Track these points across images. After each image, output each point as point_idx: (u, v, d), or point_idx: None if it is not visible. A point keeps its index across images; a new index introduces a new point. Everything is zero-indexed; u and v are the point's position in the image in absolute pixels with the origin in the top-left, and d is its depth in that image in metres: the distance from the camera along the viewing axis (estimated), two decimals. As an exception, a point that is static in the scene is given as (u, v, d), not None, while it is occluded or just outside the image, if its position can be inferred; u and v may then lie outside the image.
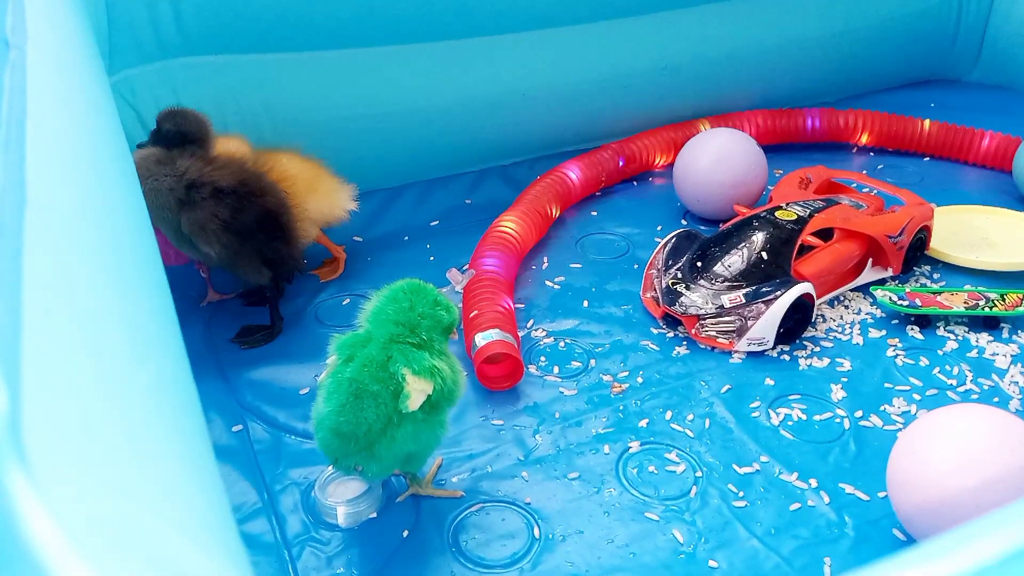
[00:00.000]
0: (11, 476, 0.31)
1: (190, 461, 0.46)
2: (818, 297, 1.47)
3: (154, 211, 1.32)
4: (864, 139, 2.11)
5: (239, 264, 1.38)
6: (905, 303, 1.48)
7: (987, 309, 1.46)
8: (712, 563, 1.06)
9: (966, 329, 1.47)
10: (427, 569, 1.05)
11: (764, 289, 1.41)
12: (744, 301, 1.41)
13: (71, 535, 0.30)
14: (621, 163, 1.93)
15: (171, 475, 0.40)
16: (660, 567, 1.05)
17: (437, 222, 1.80)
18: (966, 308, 1.47)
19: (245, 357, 1.41)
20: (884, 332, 1.47)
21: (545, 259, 1.67)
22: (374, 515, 1.12)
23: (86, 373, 0.40)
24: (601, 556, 1.07)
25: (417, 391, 1.00)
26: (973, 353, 1.42)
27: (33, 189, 0.49)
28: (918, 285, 1.59)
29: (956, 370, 1.38)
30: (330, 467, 1.13)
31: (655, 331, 1.47)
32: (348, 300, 1.55)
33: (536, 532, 1.10)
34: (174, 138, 1.36)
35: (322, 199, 1.51)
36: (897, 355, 1.42)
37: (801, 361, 1.40)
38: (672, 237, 1.58)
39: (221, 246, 1.34)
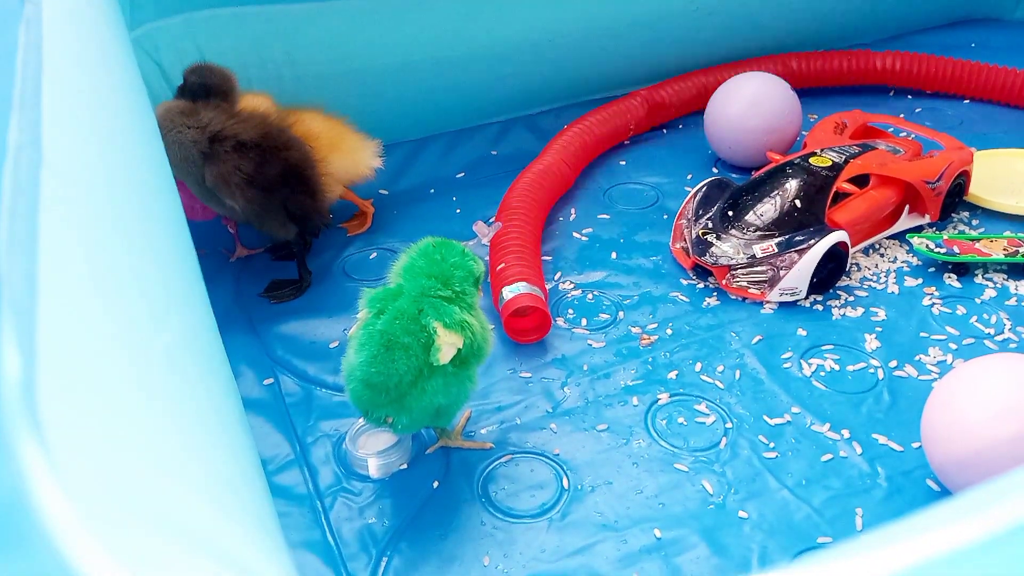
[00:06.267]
0: (24, 447, 0.31)
1: (214, 420, 0.46)
2: (853, 245, 1.44)
3: (178, 164, 1.32)
4: (900, 82, 2.04)
5: (264, 219, 1.38)
6: (942, 251, 1.44)
7: (1028, 256, 1.42)
8: (742, 513, 1.05)
9: (1005, 276, 1.44)
10: (457, 519, 1.06)
11: (797, 238, 1.39)
12: (776, 250, 1.38)
13: (83, 510, 0.29)
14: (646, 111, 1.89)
15: (192, 437, 0.40)
16: (689, 517, 1.05)
17: (463, 174, 1.78)
18: (1006, 255, 1.43)
19: (275, 311, 1.41)
20: (920, 280, 1.44)
21: (573, 210, 1.65)
22: (404, 466, 1.13)
23: (104, 336, 0.39)
24: (630, 507, 1.07)
25: (448, 344, 1.00)
26: (1012, 301, 1.39)
27: (49, 148, 0.48)
28: (956, 232, 1.55)
29: (994, 319, 1.35)
30: (361, 419, 1.14)
31: (685, 282, 1.45)
32: (375, 254, 1.55)
33: (565, 483, 1.10)
34: (198, 90, 1.37)
35: (346, 157, 1.50)
36: (933, 304, 1.39)
37: (834, 311, 1.38)
38: (703, 186, 1.55)
39: (245, 200, 1.34)
